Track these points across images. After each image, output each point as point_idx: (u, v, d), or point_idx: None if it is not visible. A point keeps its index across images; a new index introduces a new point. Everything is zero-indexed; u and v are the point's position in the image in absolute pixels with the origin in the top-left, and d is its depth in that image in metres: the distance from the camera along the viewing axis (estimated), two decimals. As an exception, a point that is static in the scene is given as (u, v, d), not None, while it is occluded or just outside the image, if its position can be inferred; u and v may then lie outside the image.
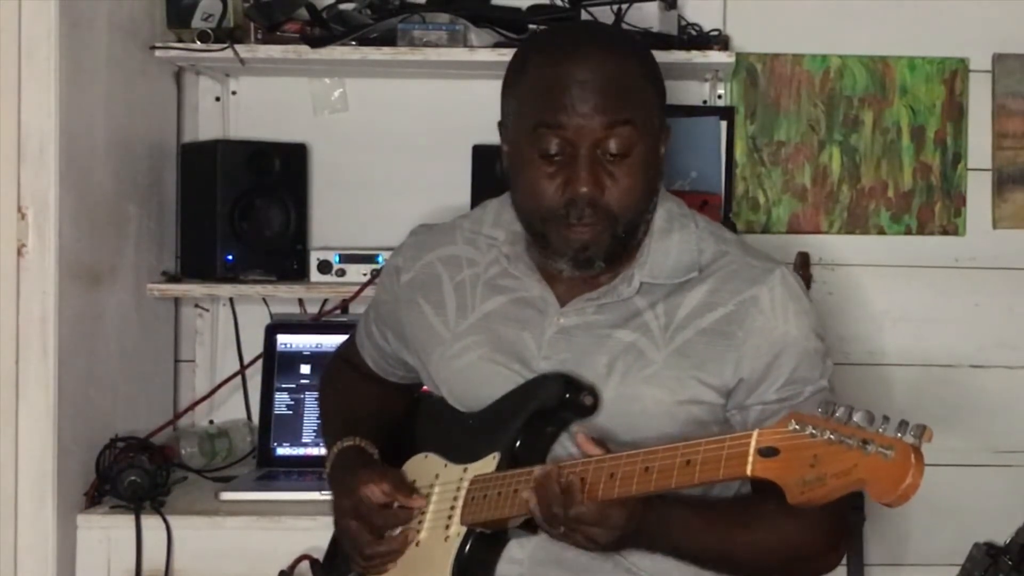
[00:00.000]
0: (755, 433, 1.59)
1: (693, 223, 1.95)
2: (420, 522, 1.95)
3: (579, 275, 1.92)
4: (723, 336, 1.86)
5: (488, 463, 1.90)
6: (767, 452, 1.56)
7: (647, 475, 1.68)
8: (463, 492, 1.90)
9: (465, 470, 1.92)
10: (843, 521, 1.94)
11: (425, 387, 2.13)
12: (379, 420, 2.13)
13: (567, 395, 1.86)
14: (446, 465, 1.96)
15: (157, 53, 2.84)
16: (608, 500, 1.71)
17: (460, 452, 1.95)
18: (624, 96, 1.84)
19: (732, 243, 1.96)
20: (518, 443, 1.88)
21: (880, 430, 1.48)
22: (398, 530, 1.95)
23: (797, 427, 1.53)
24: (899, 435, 1.47)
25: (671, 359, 1.87)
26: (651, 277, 1.90)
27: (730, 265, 1.91)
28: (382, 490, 1.93)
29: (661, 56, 2.77)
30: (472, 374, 1.97)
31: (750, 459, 1.58)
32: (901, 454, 1.45)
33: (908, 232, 3.07)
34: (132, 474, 2.59)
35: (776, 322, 1.87)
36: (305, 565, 2.41)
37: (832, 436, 1.50)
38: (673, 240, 1.92)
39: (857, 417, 1.50)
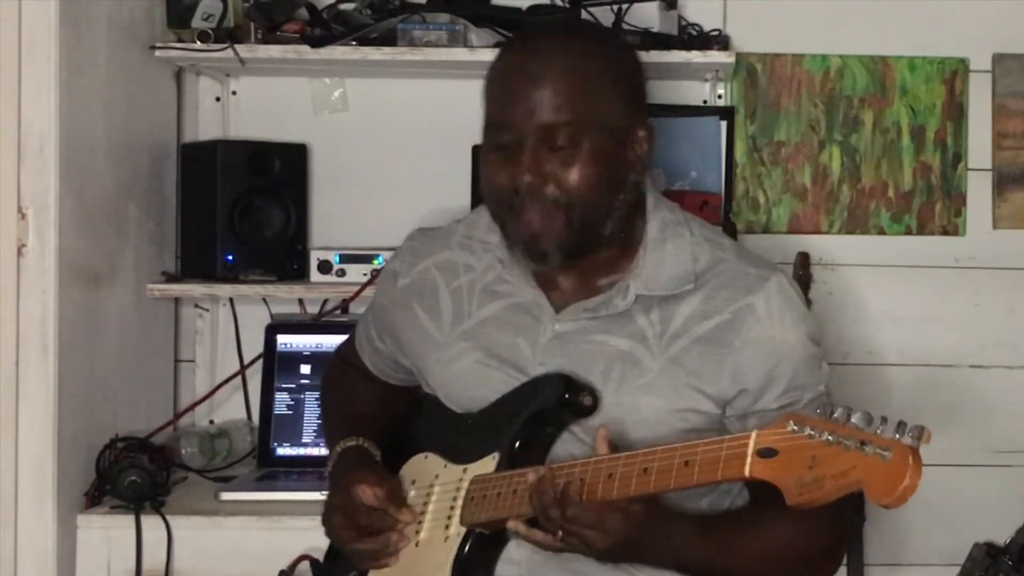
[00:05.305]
0: (754, 434, 1.59)
1: (687, 230, 1.93)
2: (420, 522, 1.95)
3: (568, 276, 1.92)
4: (720, 345, 1.85)
5: (487, 463, 1.90)
6: (766, 453, 1.56)
7: (646, 476, 1.68)
8: (463, 492, 1.90)
9: (465, 470, 1.92)
10: (842, 525, 1.94)
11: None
12: (381, 421, 2.14)
13: (566, 395, 1.85)
14: (446, 465, 1.96)
15: (157, 53, 2.84)
16: (607, 504, 1.71)
17: (460, 452, 1.95)
18: (569, 93, 1.82)
19: (728, 249, 1.94)
20: (517, 443, 1.88)
21: (878, 431, 1.48)
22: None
23: (795, 428, 1.53)
24: (897, 436, 1.47)
25: (666, 368, 1.86)
26: (646, 289, 1.89)
27: (726, 273, 1.89)
28: (375, 493, 1.93)
29: (661, 56, 2.80)
30: (467, 379, 1.96)
31: (748, 460, 1.58)
32: (899, 455, 1.45)
33: (908, 232, 3.07)
34: (132, 474, 2.59)
35: (773, 331, 1.85)
36: (305, 565, 2.41)
37: (830, 437, 1.50)
38: (667, 250, 1.90)
39: (855, 418, 1.50)
